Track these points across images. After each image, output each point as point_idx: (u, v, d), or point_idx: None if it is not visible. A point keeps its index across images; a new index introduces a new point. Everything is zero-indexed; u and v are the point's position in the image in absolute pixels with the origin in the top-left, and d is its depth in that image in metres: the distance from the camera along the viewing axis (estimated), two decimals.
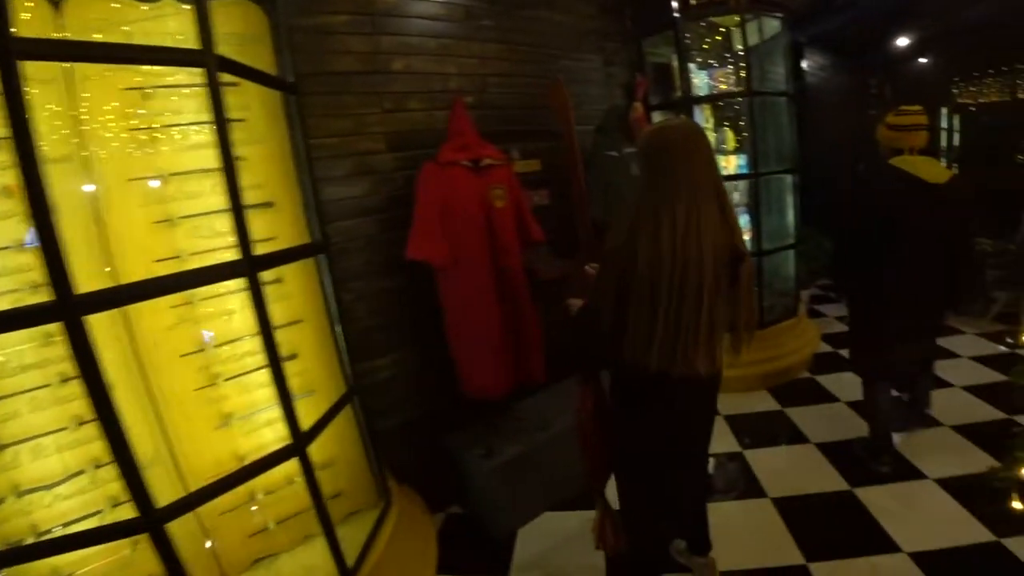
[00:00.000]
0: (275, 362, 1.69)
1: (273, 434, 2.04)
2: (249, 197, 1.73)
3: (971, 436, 2.91)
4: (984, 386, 3.48)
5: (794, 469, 2.82)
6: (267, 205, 2.02)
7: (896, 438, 2.83)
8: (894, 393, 2.89)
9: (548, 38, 3.33)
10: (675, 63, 3.70)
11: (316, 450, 1.90)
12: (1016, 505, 1.69)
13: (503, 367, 2.53)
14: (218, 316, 1.99)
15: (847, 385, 3.60)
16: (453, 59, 2.91)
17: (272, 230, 1.99)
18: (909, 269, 2.34)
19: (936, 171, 2.34)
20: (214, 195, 1.81)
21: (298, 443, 1.78)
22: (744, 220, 4.15)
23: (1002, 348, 4.04)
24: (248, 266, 1.61)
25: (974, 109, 8.44)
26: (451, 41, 2.90)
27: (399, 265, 2.48)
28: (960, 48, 7.90)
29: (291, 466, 1.81)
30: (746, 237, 3.97)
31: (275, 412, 1.85)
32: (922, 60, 8.32)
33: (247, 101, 1.93)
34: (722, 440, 3.16)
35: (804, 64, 6.51)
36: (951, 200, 2.31)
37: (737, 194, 4.23)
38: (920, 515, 2.35)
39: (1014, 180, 7.62)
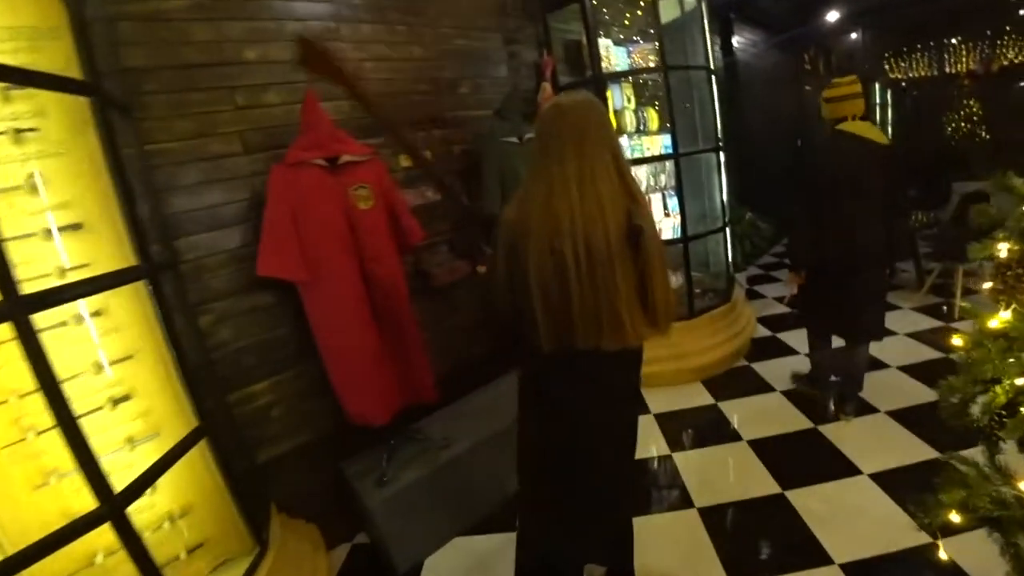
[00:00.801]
0: (67, 418, 1.43)
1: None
2: (52, 219, 1.57)
3: (907, 423, 2.75)
4: (921, 364, 3.35)
5: (723, 473, 2.61)
6: (75, 227, 1.69)
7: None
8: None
9: (436, 16, 3.00)
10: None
11: (167, 498, 1.79)
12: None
13: (384, 390, 2.22)
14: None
15: (785, 372, 3.43)
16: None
17: (85, 255, 1.69)
18: (854, 223, 2.52)
19: (877, 133, 2.54)
20: None
21: (112, 506, 1.50)
22: (672, 204, 3.93)
23: (938, 323, 3.94)
24: (11, 308, 1.30)
25: (904, 85, 8.54)
26: (316, 23, 2.54)
27: (270, 279, 2.16)
28: (889, 24, 7.95)
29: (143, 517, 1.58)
30: (675, 222, 3.77)
31: (109, 465, 1.58)
32: (853, 36, 8.34)
33: (42, 107, 1.60)
34: (650, 442, 2.92)
35: (735, 41, 6.35)
36: (893, 157, 2.54)
37: (664, 176, 4.01)
38: (852, 520, 2.15)
39: (941, 150, 7.75)
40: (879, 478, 2.36)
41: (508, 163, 2.96)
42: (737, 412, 3.14)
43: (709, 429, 3.01)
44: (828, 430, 2.81)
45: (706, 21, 3.70)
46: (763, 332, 4.18)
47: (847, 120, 2.55)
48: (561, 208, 1.35)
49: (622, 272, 1.36)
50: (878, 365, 3.35)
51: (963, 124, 8.24)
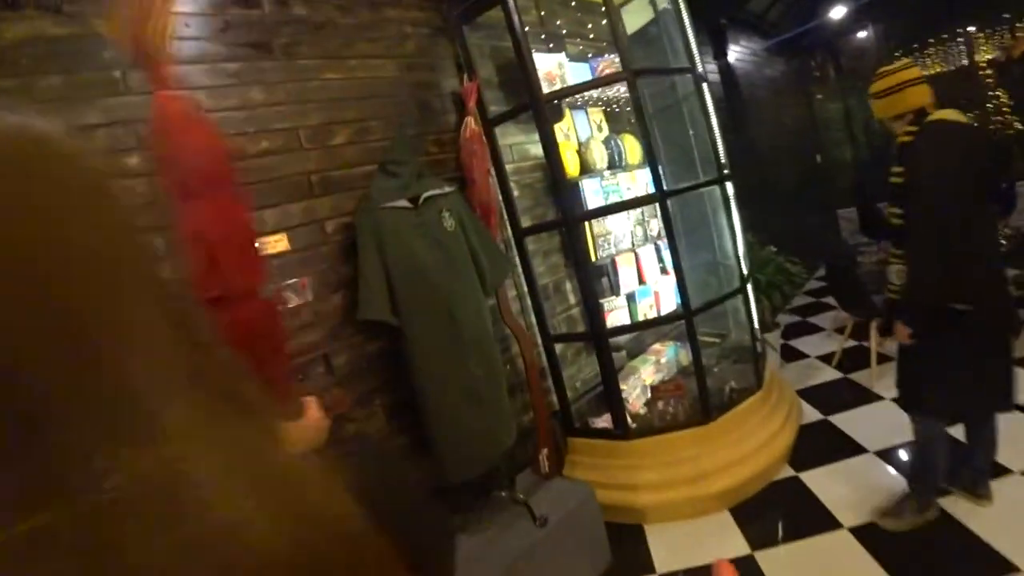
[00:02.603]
0: None
1: None
2: None
3: None
4: None
5: None
6: None
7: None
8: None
9: (288, 44, 2.13)
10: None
11: None
12: None
13: None
14: None
15: (852, 482, 2.36)
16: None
17: None
18: (994, 241, 2.09)
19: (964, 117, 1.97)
20: None
21: None
22: (659, 265, 2.96)
23: None
24: None
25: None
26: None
27: None
28: (900, 16, 7.07)
29: None
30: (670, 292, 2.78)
31: None
32: (862, 34, 7.44)
33: None
34: None
35: (732, 51, 5.47)
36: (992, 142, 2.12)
37: (657, 222, 3.04)
38: None
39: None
40: None
41: (395, 240, 2.03)
42: (786, 566, 2.07)
43: None
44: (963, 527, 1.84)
45: (685, 17, 2.80)
46: (810, 414, 3.10)
47: (927, 110, 1.95)
48: None
49: None
50: None
51: (995, 118, 7.21)
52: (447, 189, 2.19)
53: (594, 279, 2.89)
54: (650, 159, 2.46)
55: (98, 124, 1.75)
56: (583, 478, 2.65)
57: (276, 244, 2.05)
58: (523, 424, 2.61)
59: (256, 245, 1.51)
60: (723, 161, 2.78)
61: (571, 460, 2.77)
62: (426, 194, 2.10)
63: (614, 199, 2.84)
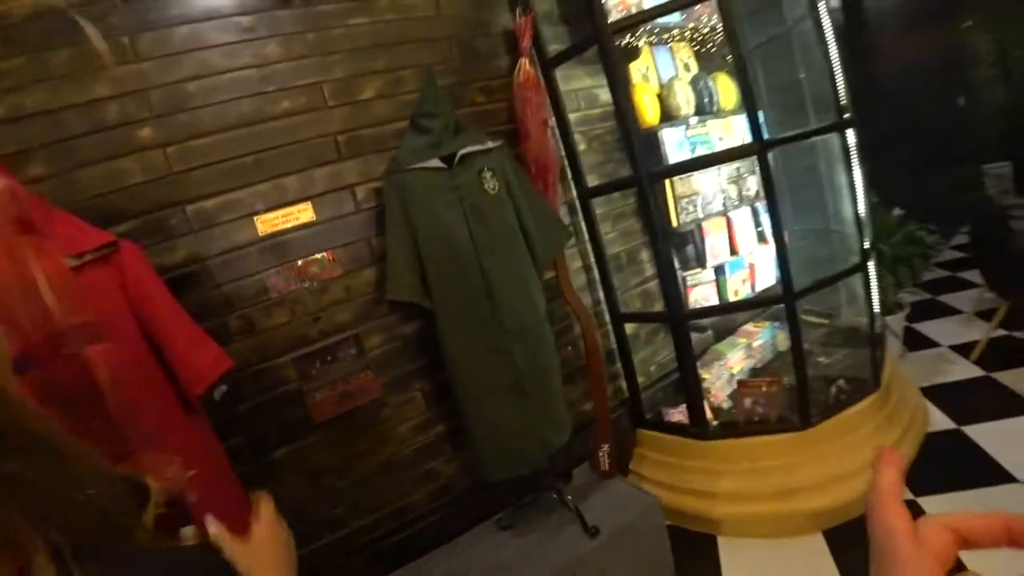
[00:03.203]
0: None
1: None
2: None
3: None
4: None
5: None
6: None
7: None
8: None
9: None
10: None
11: None
12: None
13: None
14: None
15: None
16: None
17: None
18: None
19: None
20: None
21: None
22: (769, 223, 2.46)
23: None
24: None
25: None
26: None
27: None
28: None
29: None
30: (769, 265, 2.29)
31: None
32: None
33: None
34: None
35: None
36: None
37: (753, 181, 2.53)
38: None
39: None
40: None
41: (423, 208, 1.74)
42: None
43: None
44: None
45: None
46: (938, 421, 2.51)
47: None
48: None
49: None
50: None
51: None
52: (490, 144, 1.85)
53: (674, 249, 2.47)
54: (747, 101, 1.95)
55: (109, 97, 1.59)
56: (650, 477, 2.33)
57: (299, 215, 1.84)
58: (586, 413, 2.31)
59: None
60: (844, 102, 2.20)
61: (639, 453, 2.44)
62: (463, 151, 1.77)
63: (703, 152, 2.37)
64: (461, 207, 1.78)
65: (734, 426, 2.21)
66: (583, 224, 2.35)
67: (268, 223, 1.80)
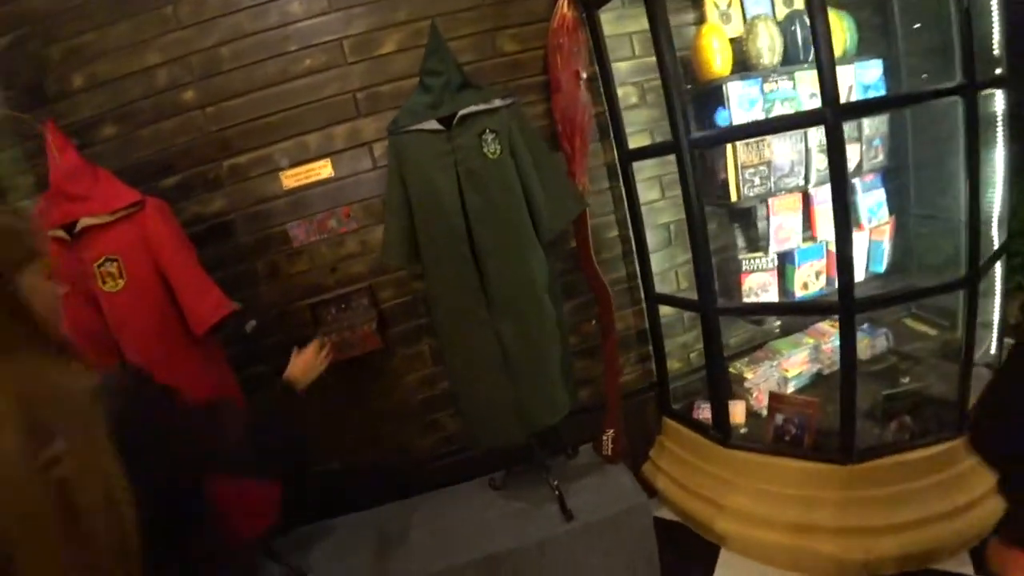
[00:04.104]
0: None
1: None
2: None
3: None
4: None
5: None
6: None
7: None
8: None
9: None
10: None
11: None
12: None
13: None
14: None
15: None
16: None
17: None
18: None
19: None
20: None
21: None
22: (876, 205, 1.98)
23: None
24: None
25: None
26: None
27: None
28: None
29: None
30: (883, 245, 1.84)
31: None
32: None
33: None
34: None
35: None
36: None
37: (853, 150, 2.01)
38: None
39: None
40: None
41: (416, 172, 1.70)
42: None
43: None
44: None
45: None
46: None
47: None
48: None
49: None
50: None
51: None
52: (497, 103, 1.71)
53: (736, 227, 2.12)
54: (824, 50, 1.50)
55: (159, 64, 1.81)
56: (666, 470, 2.19)
57: (320, 171, 1.95)
58: (599, 393, 2.20)
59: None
60: (997, 53, 1.57)
61: (661, 442, 2.28)
62: (462, 112, 1.68)
63: (781, 112, 1.93)
64: (455, 172, 1.71)
65: (760, 438, 1.93)
66: (623, 189, 2.11)
67: (291, 178, 1.94)
